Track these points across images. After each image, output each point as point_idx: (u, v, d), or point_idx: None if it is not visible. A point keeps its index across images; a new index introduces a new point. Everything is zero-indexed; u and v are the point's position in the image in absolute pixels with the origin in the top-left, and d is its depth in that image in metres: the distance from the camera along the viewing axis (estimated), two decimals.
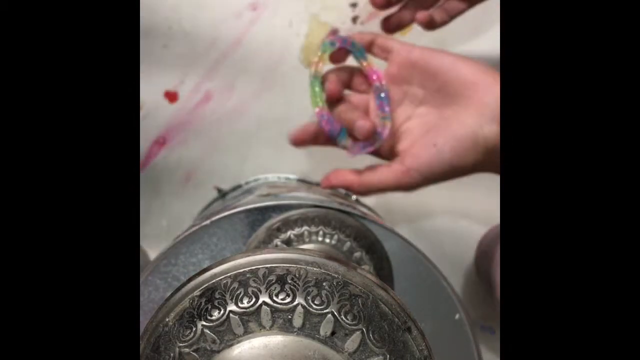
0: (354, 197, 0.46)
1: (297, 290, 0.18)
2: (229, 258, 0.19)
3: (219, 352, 0.18)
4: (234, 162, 0.38)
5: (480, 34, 0.44)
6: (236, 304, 0.18)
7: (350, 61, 0.36)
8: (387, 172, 0.34)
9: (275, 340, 0.18)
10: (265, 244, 0.31)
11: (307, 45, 0.46)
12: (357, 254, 0.31)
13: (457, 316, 0.31)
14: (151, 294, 0.30)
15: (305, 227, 0.31)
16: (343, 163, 0.47)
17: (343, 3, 0.46)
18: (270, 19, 0.49)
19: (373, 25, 0.44)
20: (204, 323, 0.18)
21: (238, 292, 0.18)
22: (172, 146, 0.46)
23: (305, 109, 0.44)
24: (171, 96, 0.49)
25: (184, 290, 0.19)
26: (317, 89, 0.35)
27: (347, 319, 0.18)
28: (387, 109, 0.35)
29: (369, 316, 0.18)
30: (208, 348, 0.18)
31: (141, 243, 0.45)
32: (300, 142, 0.36)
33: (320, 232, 0.31)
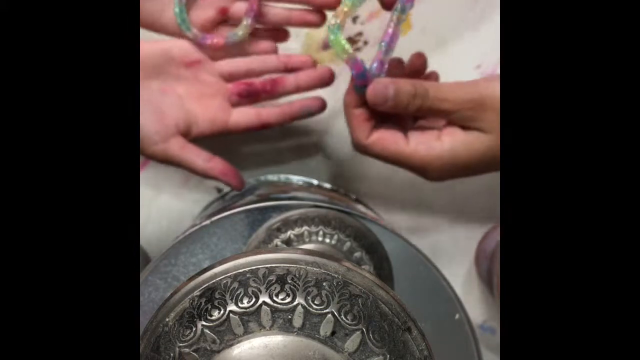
0: (353, 196, 0.46)
1: (297, 290, 0.18)
2: (229, 258, 0.19)
3: (219, 352, 0.18)
4: (234, 162, 0.38)
5: (480, 34, 0.44)
6: (236, 304, 0.18)
7: None
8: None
9: (275, 340, 0.18)
10: (265, 244, 0.31)
11: (307, 44, 0.46)
12: (357, 254, 0.31)
13: (457, 316, 0.31)
14: (151, 294, 0.30)
15: (305, 227, 0.31)
16: (343, 162, 0.47)
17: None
18: None
19: (373, 25, 0.44)
20: (204, 323, 0.18)
21: (238, 292, 0.18)
22: None
23: None
24: None
25: (184, 290, 0.19)
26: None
27: (347, 319, 0.18)
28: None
29: (369, 316, 0.18)
30: (208, 348, 0.18)
31: (141, 243, 0.45)
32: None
33: (320, 232, 0.31)
